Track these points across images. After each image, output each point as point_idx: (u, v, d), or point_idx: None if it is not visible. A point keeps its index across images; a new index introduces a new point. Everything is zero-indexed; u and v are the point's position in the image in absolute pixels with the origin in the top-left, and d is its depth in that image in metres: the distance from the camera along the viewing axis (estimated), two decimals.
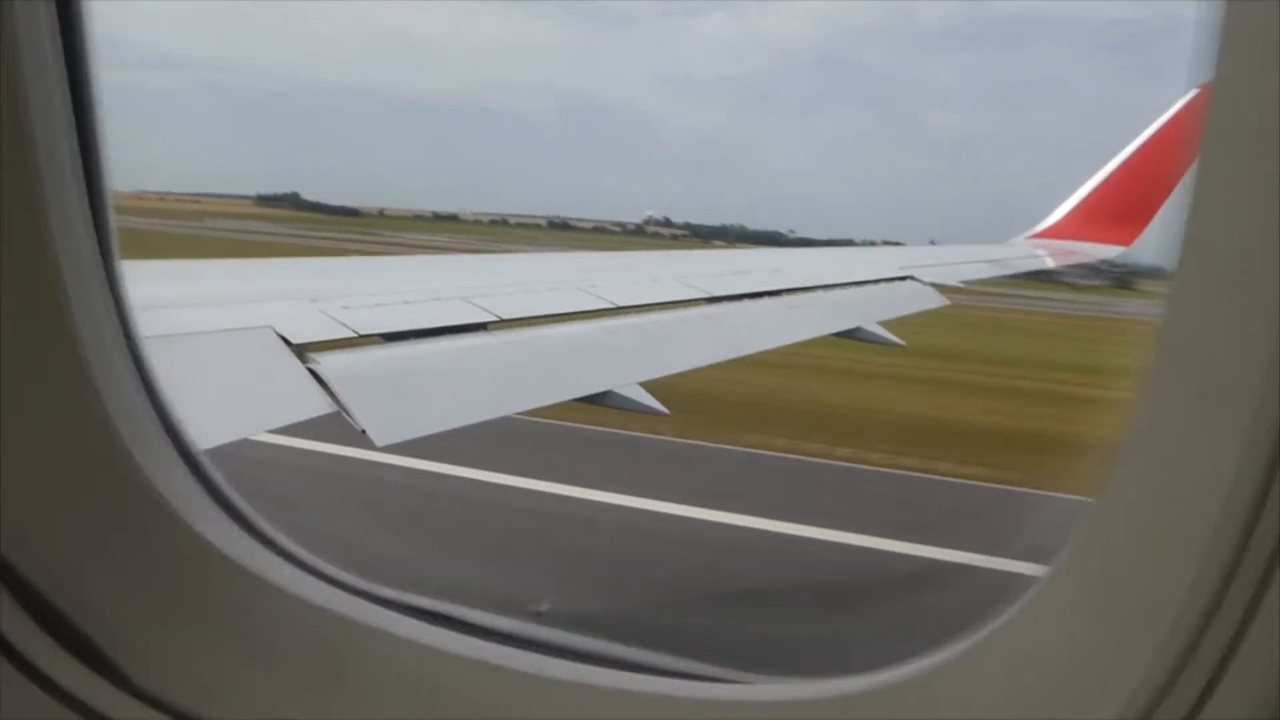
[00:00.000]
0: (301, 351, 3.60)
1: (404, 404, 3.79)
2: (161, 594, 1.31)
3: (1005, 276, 11.39)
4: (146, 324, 1.36)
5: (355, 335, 3.97)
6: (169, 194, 47.35)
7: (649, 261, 8.27)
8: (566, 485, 10.56)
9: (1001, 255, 11.62)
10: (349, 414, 3.35)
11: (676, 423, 11.65)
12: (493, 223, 50.64)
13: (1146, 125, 12.96)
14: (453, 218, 51.35)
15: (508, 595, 6.64)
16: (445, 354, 4.26)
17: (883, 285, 8.19)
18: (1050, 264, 12.34)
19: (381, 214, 52.32)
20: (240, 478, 1.45)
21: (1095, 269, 14.37)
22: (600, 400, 4.53)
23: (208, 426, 2.17)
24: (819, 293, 7.28)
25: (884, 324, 7.22)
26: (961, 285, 9.29)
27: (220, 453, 2.25)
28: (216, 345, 3.46)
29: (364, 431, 3.34)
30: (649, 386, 4.70)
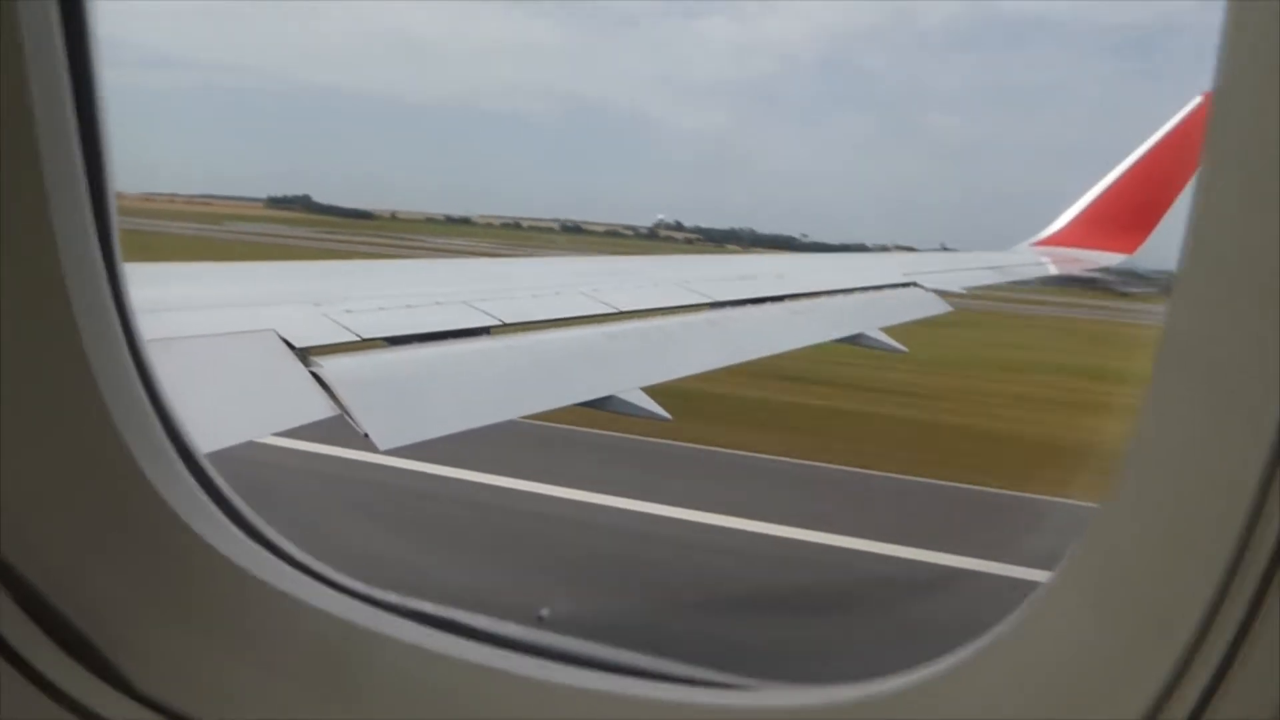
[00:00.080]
0: (304, 355, 3.60)
1: (406, 408, 3.79)
2: (163, 597, 1.31)
3: (1008, 283, 11.38)
4: (148, 327, 1.36)
5: (358, 339, 3.98)
6: (177, 196, 47.52)
7: (652, 266, 8.28)
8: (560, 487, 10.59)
9: (1005, 262, 11.61)
10: (351, 417, 3.36)
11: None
12: (505, 226, 50.64)
13: (1151, 130, 12.96)
14: (465, 221, 51.36)
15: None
16: (448, 358, 4.26)
17: (885, 291, 8.19)
18: (1054, 271, 12.34)
19: (394, 217, 52.33)
20: (239, 479, 1.45)
21: (1102, 276, 14.35)
22: (602, 405, 4.53)
23: (210, 430, 2.16)
24: (822, 298, 7.28)
25: (886, 330, 7.22)
26: (964, 291, 9.30)
27: (221, 456, 2.25)
28: (219, 348, 3.47)
29: (366, 435, 3.35)
30: (651, 391, 4.70)
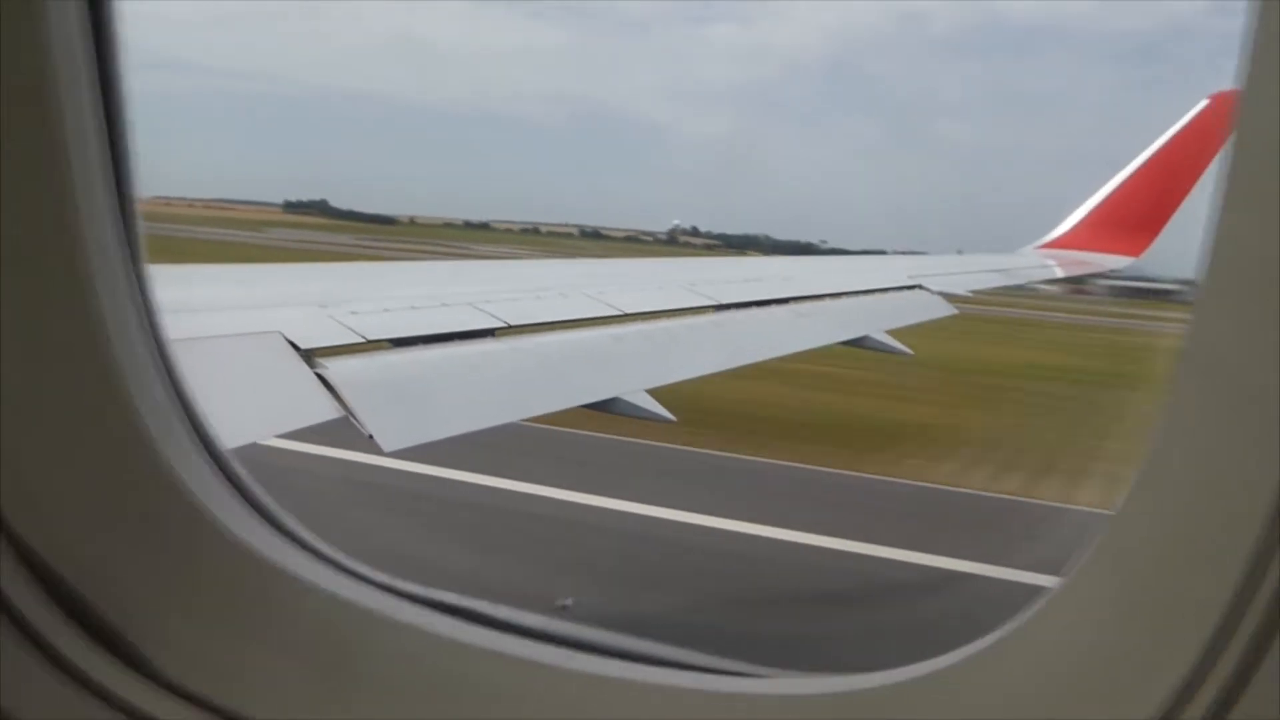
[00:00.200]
0: (310, 357, 3.61)
1: (411, 409, 3.79)
2: (187, 586, 1.33)
3: (1014, 286, 11.35)
4: None
5: (363, 340, 3.99)
6: (196, 200, 47.59)
7: (658, 269, 8.27)
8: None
9: (1010, 265, 11.58)
10: (356, 419, 3.36)
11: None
12: (524, 231, 50.61)
13: (1156, 135, 12.91)
14: (484, 226, 51.39)
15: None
16: (453, 360, 4.26)
17: (891, 294, 8.17)
18: (1059, 274, 12.30)
19: (413, 222, 52.36)
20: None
21: (1107, 280, 14.33)
22: (607, 407, 4.52)
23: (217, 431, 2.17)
24: (828, 301, 7.27)
25: (891, 332, 7.20)
26: (970, 294, 9.27)
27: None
28: (225, 350, 3.47)
29: (371, 437, 3.35)
30: (656, 393, 4.70)
